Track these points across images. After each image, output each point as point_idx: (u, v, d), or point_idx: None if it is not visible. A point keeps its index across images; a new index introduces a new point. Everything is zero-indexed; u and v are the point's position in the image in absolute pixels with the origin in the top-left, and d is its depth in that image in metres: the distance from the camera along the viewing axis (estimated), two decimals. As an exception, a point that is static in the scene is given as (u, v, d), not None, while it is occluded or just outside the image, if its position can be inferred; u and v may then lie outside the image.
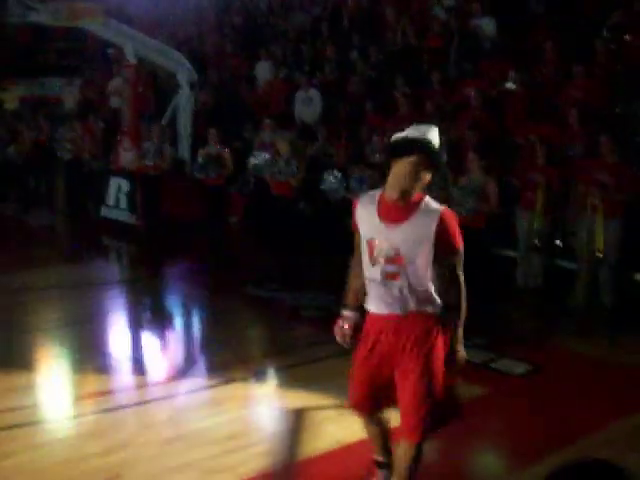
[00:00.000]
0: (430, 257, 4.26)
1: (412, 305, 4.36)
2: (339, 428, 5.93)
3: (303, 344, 7.98)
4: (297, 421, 6.13)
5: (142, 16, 20.33)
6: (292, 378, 7.06)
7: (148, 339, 8.54)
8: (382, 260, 4.30)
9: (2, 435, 5.76)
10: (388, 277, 4.31)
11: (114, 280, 11.07)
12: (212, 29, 19.69)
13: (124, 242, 13.29)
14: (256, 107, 14.66)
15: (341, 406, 6.30)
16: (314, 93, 13.81)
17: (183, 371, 7.43)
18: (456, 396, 4.70)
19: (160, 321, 9.08)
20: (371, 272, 4.36)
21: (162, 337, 8.57)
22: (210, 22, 20.15)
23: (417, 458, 4.46)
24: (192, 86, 14.02)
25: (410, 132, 4.30)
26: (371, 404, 4.65)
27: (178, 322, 9.05)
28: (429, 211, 4.25)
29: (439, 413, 4.43)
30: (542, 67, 11.85)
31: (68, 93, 19.57)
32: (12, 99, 22.60)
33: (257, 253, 11.72)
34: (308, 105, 13.82)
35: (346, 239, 4.79)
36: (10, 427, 5.89)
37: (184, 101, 13.98)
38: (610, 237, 8.98)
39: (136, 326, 8.85)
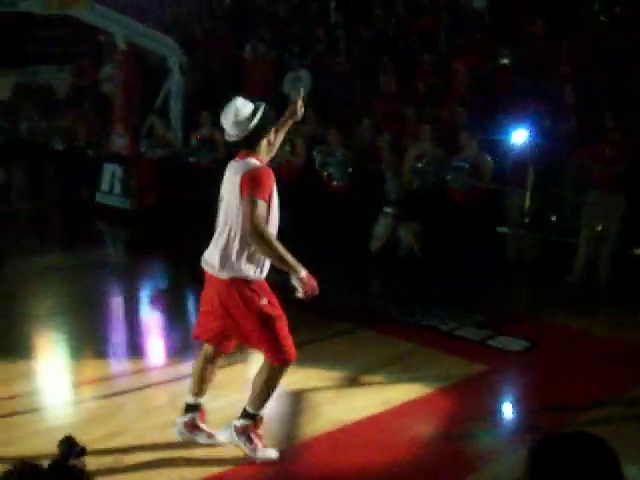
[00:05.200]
0: None
1: None
2: (337, 409, 5.99)
3: (296, 326, 7.97)
4: (295, 403, 6.17)
5: (130, 1, 20.20)
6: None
7: (146, 324, 8.56)
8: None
9: (4, 423, 5.77)
10: None
11: (110, 265, 11.08)
12: (201, 12, 19.58)
13: (119, 227, 13.27)
14: (245, 89, 14.59)
15: (339, 387, 6.37)
16: (303, 73, 13.75)
17: (181, 356, 7.45)
18: None
19: (157, 306, 9.10)
20: (276, 227, 5.03)
21: (159, 322, 8.59)
22: (199, 5, 20.03)
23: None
24: (182, 70, 13.95)
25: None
26: None
27: (175, 306, 9.03)
28: None
29: None
30: (533, 42, 11.82)
31: (59, 81, 19.49)
32: (5, 88, 22.53)
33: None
34: (297, 86, 13.75)
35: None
36: (12, 414, 5.91)
37: (175, 85, 13.92)
38: (613, 212, 8.99)
39: (134, 311, 8.86)
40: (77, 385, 6.74)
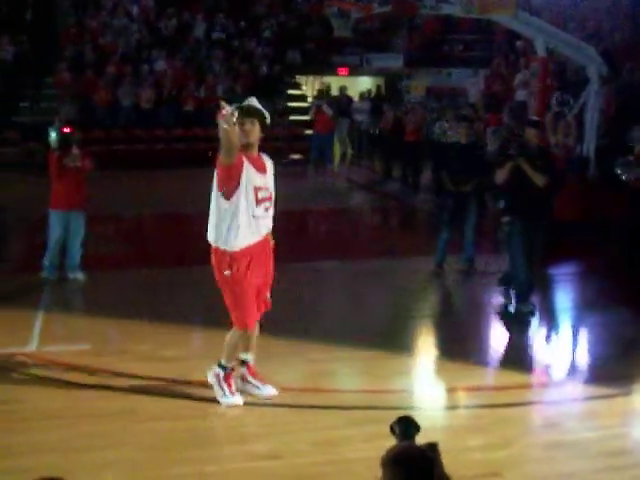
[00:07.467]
0: None
1: None
2: None
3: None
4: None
5: (551, 8, 20.02)
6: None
7: (535, 340, 8.30)
8: (264, 200, 5.94)
9: (376, 415, 5.85)
10: (267, 210, 6.00)
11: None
12: (626, 21, 18.83)
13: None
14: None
15: None
16: None
17: (567, 378, 7.16)
18: None
19: (547, 324, 8.78)
20: (256, 211, 5.89)
21: (549, 340, 8.31)
22: (624, 13, 19.28)
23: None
24: (603, 81, 13.44)
25: (250, 101, 5.92)
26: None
27: (565, 327, 8.71)
28: (268, 159, 6.14)
29: None
30: None
31: (472, 84, 19.87)
32: (418, 88, 23.49)
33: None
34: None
35: None
36: (392, 408, 5.92)
37: (593, 96, 13.47)
38: None
39: (523, 326, 8.57)
40: (455, 390, 6.71)
